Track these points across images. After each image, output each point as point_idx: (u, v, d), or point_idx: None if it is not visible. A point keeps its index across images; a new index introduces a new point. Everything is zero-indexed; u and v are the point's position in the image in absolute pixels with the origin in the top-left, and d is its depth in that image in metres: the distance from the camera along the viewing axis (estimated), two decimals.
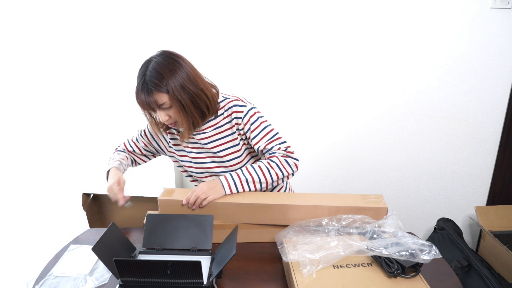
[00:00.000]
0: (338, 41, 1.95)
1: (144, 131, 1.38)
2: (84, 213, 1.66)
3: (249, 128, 1.24)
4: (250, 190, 1.20)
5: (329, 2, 1.89)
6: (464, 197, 2.13)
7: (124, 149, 1.41)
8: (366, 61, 1.97)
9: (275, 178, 1.20)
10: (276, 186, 1.39)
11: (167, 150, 1.37)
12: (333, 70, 1.99)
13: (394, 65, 1.96)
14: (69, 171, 2.15)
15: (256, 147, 1.25)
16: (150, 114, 1.24)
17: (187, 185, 2.28)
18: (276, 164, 1.20)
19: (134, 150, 1.40)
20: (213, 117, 1.27)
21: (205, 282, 0.93)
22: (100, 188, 1.46)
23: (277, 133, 1.25)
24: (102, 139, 2.09)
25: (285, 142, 1.25)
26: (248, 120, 1.24)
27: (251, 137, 1.24)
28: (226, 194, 1.17)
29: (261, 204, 1.14)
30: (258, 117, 1.25)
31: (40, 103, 2.06)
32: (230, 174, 1.20)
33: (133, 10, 1.92)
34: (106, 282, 1.01)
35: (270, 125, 1.26)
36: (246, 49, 1.99)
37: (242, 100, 1.27)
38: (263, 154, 1.27)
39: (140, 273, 0.90)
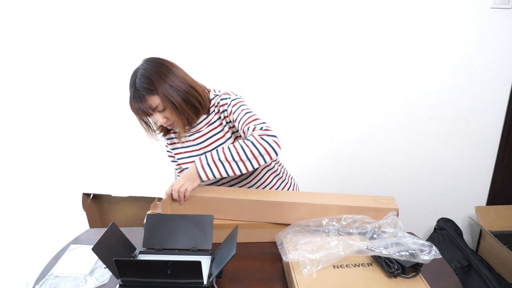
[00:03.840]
0: (339, 43, 1.94)
1: (167, 151, 1.42)
2: (84, 213, 1.66)
3: (233, 118, 1.25)
4: (227, 173, 1.15)
5: (330, 3, 1.89)
6: (464, 197, 2.13)
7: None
8: (366, 62, 1.96)
9: (250, 155, 1.14)
10: (271, 182, 1.38)
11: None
12: (335, 71, 1.99)
13: (394, 66, 1.96)
14: (69, 171, 2.15)
15: (241, 133, 1.25)
16: (146, 122, 1.29)
17: None
18: (251, 142, 1.14)
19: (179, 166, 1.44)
20: (206, 115, 1.29)
21: (205, 282, 0.92)
22: (100, 188, 1.46)
23: (255, 115, 1.23)
24: (102, 139, 2.09)
25: (264, 122, 1.21)
26: (231, 110, 1.25)
27: (236, 125, 1.25)
28: (202, 180, 1.15)
29: (271, 202, 1.14)
30: (240, 105, 1.25)
31: (40, 103, 2.06)
32: (205, 155, 1.17)
33: (129, 11, 1.92)
34: (106, 282, 1.01)
35: (251, 111, 1.24)
36: (248, 52, 1.99)
37: (228, 93, 1.30)
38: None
39: (140, 273, 0.90)
